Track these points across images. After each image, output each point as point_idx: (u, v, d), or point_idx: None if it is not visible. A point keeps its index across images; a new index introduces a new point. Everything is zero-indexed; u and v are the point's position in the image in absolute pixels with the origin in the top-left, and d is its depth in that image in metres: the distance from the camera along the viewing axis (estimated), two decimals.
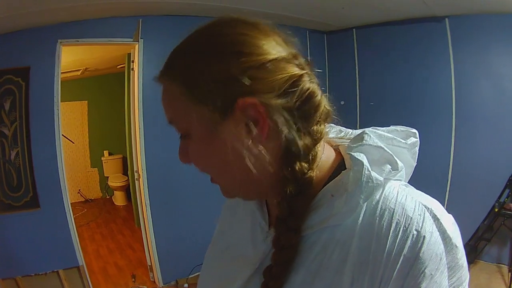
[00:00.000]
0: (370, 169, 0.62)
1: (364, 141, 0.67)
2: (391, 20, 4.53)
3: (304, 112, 0.67)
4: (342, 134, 0.81)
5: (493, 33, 3.94)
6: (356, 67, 5.06)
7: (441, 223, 0.60)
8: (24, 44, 3.51)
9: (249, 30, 0.65)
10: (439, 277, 0.57)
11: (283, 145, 0.66)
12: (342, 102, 5.09)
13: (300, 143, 0.66)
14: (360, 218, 0.62)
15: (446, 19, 4.13)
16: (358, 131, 0.76)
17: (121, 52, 4.95)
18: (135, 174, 4.26)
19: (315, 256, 0.64)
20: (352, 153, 0.65)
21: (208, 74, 0.63)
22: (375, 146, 0.66)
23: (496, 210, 3.93)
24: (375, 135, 0.68)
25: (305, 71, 0.68)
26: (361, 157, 0.64)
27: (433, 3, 3.73)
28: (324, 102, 0.70)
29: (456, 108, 4.20)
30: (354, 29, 4.99)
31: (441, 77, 4.26)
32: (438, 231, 0.59)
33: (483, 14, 3.88)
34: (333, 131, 0.81)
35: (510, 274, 3.85)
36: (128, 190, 7.11)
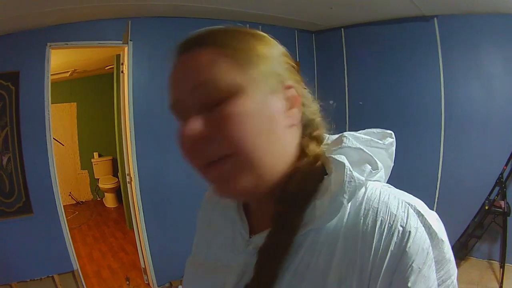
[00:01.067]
0: (351, 169, 0.64)
1: (343, 144, 0.69)
2: (379, 20, 4.55)
3: (314, 109, 0.78)
4: None
5: (482, 33, 3.98)
6: (345, 67, 5.08)
7: (425, 218, 0.60)
8: (13, 48, 3.49)
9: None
10: (427, 271, 0.57)
11: (307, 130, 0.75)
12: (331, 102, 5.06)
13: (321, 130, 0.77)
14: (345, 219, 0.64)
15: (435, 19, 4.16)
16: (335, 136, 0.78)
17: (109, 53, 4.92)
18: (127, 177, 4.24)
19: (301, 259, 0.65)
20: (333, 156, 0.67)
21: (261, 48, 0.68)
22: (354, 147, 0.68)
23: (487, 207, 3.97)
24: (353, 138, 0.70)
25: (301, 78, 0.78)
26: (342, 158, 0.65)
27: (421, 2, 3.76)
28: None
29: (445, 108, 4.24)
30: (342, 29, 5.00)
31: (430, 77, 4.29)
32: (423, 226, 0.60)
33: (472, 14, 3.91)
34: None
35: (501, 270, 3.91)
36: (118, 192, 7.08)
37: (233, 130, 0.63)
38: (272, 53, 0.70)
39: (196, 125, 0.64)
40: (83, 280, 4.02)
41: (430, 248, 0.58)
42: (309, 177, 0.68)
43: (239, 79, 0.64)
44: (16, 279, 3.73)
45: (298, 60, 5.05)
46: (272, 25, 4.63)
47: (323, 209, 0.63)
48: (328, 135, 0.80)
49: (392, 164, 0.76)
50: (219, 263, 0.82)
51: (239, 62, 0.65)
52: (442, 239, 0.60)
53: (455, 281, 0.62)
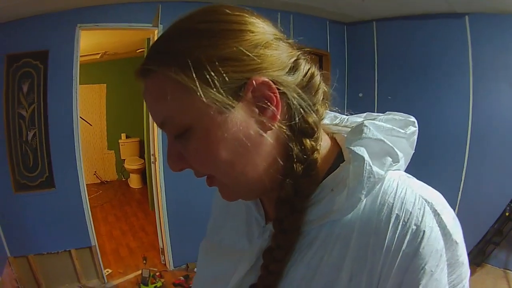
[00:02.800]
0: (371, 164, 0.60)
1: (363, 134, 0.64)
2: (411, 14, 4.46)
3: (309, 90, 0.68)
4: (337, 121, 0.79)
5: None
6: (375, 60, 5.01)
7: (441, 218, 0.58)
8: (43, 29, 3.57)
9: (243, 12, 0.64)
10: (439, 274, 0.56)
11: (292, 124, 0.66)
12: (360, 94, 5.08)
13: (310, 120, 0.66)
14: (360, 213, 0.61)
15: (466, 16, 4.05)
16: (354, 118, 0.77)
17: (140, 36, 4.97)
18: (151, 157, 4.31)
19: (315, 252, 0.63)
20: (352, 148, 0.62)
21: (213, 52, 0.59)
22: (375, 139, 0.63)
23: (507, 214, 3.89)
24: (374, 127, 0.65)
25: (300, 51, 0.69)
26: (362, 151, 0.61)
27: None
28: (322, 82, 0.71)
29: (473, 107, 4.13)
30: (374, 22, 4.93)
31: (459, 75, 4.19)
32: (438, 226, 0.57)
33: (504, 14, 3.79)
34: (328, 117, 0.79)
35: None
36: (144, 173, 7.13)
37: (203, 161, 0.63)
38: (233, 50, 0.60)
39: (176, 155, 0.66)
40: (100, 257, 4.12)
41: (444, 250, 0.57)
42: (304, 180, 0.65)
43: (192, 107, 0.60)
44: (33, 252, 3.84)
45: (328, 51, 5.03)
46: (304, 14, 4.61)
47: (340, 203, 0.61)
48: (346, 117, 0.78)
49: (413, 152, 0.72)
50: (233, 247, 0.81)
51: (190, 86, 0.58)
52: (456, 241, 0.58)
53: (467, 285, 0.60)
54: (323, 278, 0.61)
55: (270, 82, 0.61)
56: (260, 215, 0.78)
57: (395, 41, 4.80)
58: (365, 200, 0.61)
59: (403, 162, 0.68)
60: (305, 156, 0.65)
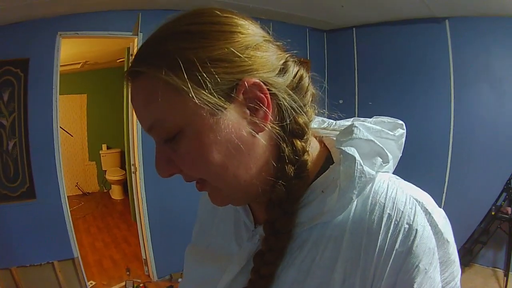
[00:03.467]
0: (362, 164, 0.60)
1: (354, 135, 0.64)
2: (391, 20, 4.54)
3: (299, 92, 0.68)
4: (325, 124, 0.79)
5: (493, 36, 3.95)
6: (355, 66, 5.07)
7: (432, 217, 0.59)
8: (23, 36, 3.52)
9: (233, 15, 0.65)
10: (433, 272, 0.56)
11: (283, 125, 0.65)
12: (341, 101, 5.11)
13: (301, 121, 0.66)
14: (351, 214, 0.61)
15: (446, 21, 4.14)
16: (342, 122, 0.77)
17: (120, 46, 4.95)
18: (132, 167, 4.27)
19: (306, 254, 0.63)
20: (343, 148, 0.62)
21: (205, 53, 0.58)
22: (365, 139, 0.64)
23: (493, 213, 3.94)
24: (364, 128, 0.65)
25: (288, 54, 0.69)
26: (352, 151, 0.61)
27: (433, 3, 3.74)
28: (310, 84, 0.72)
29: (454, 110, 4.21)
30: (354, 28, 5.00)
31: (441, 79, 4.27)
32: (430, 225, 0.58)
33: (484, 17, 3.88)
34: (316, 121, 0.79)
35: (505, 278, 3.87)
36: (125, 184, 7.09)
37: (194, 165, 0.62)
38: (223, 51, 0.59)
39: (165, 160, 0.64)
40: (83, 268, 4.04)
41: (436, 248, 0.57)
42: (295, 182, 0.65)
43: (183, 109, 0.59)
44: (16, 264, 3.75)
45: (309, 58, 5.08)
46: (284, 23, 4.63)
47: (331, 204, 0.61)
48: (334, 121, 0.79)
49: (400, 155, 0.72)
50: (221, 251, 0.81)
51: (180, 87, 0.57)
52: (447, 240, 0.59)
53: (459, 283, 0.61)
54: (315, 280, 0.61)
55: (261, 83, 0.61)
56: (249, 219, 0.78)
57: (375, 47, 4.88)
58: (356, 201, 0.62)
59: (391, 164, 0.68)
60: (296, 157, 0.65)
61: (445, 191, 4.33)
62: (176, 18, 0.64)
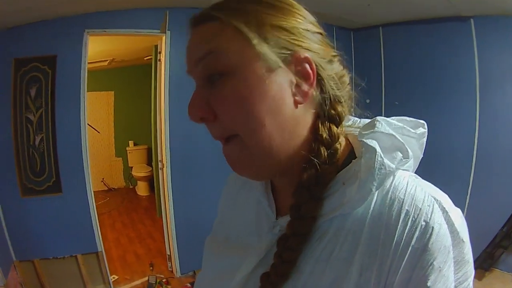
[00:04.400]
0: (382, 156, 0.61)
1: (376, 128, 0.66)
2: (416, 19, 4.47)
3: (340, 86, 0.72)
4: (350, 122, 0.81)
5: None
6: (382, 65, 5.01)
7: (449, 216, 0.59)
8: (51, 33, 3.58)
9: (300, 4, 0.71)
10: (447, 271, 0.56)
11: (322, 109, 0.70)
12: (368, 100, 5.02)
13: (339, 109, 0.70)
14: (371, 207, 0.62)
15: (471, 20, 4.04)
16: (366, 120, 0.78)
17: (148, 43, 5.00)
18: (159, 163, 4.30)
19: (326, 246, 0.64)
20: (364, 140, 0.64)
21: (274, 20, 0.64)
22: (387, 133, 0.65)
23: None
24: (386, 123, 0.68)
25: (336, 52, 0.75)
26: (373, 143, 0.63)
27: (458, 2, 3.66)
28: (349, 84, 0.76)
29: (480, 111, 4.11)
30: (380, 27, 4.94)
31: (466, 79, 4.17)
32: (447, 223, 0.58)
33: (509, 16, 3.78)
34: None
35: None
36: (151, 181, 7.16)
37: (234, 111, 0.62)
38: (289, 24, 0.65)
39: (198, 102, 0.65)
40: (106, 262, 4.10)
41: (451, 247, 0.57)
42: (326, 167, 0.66)
43: (243, 53, 0.62)
44: (39, 256, 3.83)
45: None
46: None
47: (351, 195, 0.62)
48: (359, 119, 0.81)
49: (422, 156, 0.74)
50: (241, 243, 0.81)
51: (245, 34, 0.62)
52: (463, 239, 0.59)
53: (471, 284, 0.61)
54: (333, 272, 0.61)
55: (312, 60, 0.66)
56: (271, 209, 0.78)
57: (401, 46, 4.81)
58: (376, 195, 0.62)
59: (412, 163, 0.69)
60: (331, 142, 0.68)
61: (469, 194, 4.23)
62: None
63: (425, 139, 0.73)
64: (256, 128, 0.63)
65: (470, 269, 0.60)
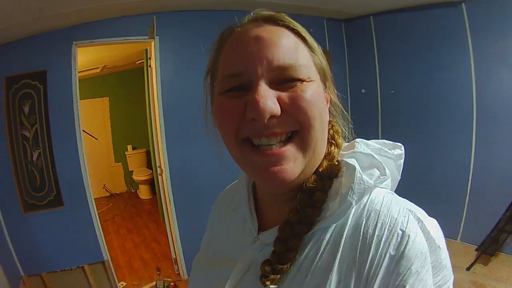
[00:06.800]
0: (361, 172, 0.66)
1: (355, 149, 0.72)
2: (407, 6, 4.46)
3: (337, 110, 0.82)
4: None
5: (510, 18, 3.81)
6: (375, 55, 5.01)
7: (424, 225, 0.62)
8: (39, 48, 3.58)
9: None
10: (425, 275, 0.58)
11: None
12: (363, 91, 5.11)
13: (337, 128, 0.80)
14: (349, 220, 0.66)
15: (463, 4, 4.02)
16: (346, 144, 0.82)
17: (138, 48, 4.98)
18: (158, 169, 4.31)
19: (306, 256, 0.67)
20: (345, 159, 0.70)
21: (315, 44, 0.73)
22: (365, 153, 0.71)
23: None
24: (364, 144, 0.74)
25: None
26: (353, 161, 0.68)
27: None
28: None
29: (476, 96, 4.11)
30: (371, 16, 4.93)
31: (461, 65, 4.17)
32: (422, 232, 0.61)
33: None
34: None
35: None
36: (153, 183, 7.18)
37: (306, 107, 0.64)
38: (318, 47, 0.74)
39: (273, 99, 0.63)
40: (114, 270, 4.13)
41: (428, 253, 0.60)
42: (328, 177, 0.71)
43: (315, 68, 0.70)
44: (47, 270, 3.87)
45: (328, 49, 5.06)
46: (300, 15, 4.54)
47: (333, 209, 0.66)
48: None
49: (399, 178, 0.78)
50: (228, 257, 0.84)
51: (310, 51, 0.71)
52: (439, 246, 0.61)
53: (451, 286, 0.63)
54: (314, 281, 0.64)
55: (329, 85, 0.77)
56: (253, 226, 0.81)
57: (393, 35, 4.79)
58: (354, 208, 0.67)
59: (389, 182, 0.73)
60: (330, 158, 0.75)
61: (470, 180, 4.23)
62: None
63: (402, 161, 0.77)
64: (316, 126, 0.66)
65: (448, 273, 0.62)
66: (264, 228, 0.79)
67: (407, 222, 0.61)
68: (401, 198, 0.70)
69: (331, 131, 0.79)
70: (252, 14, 0.72)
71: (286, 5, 4.11)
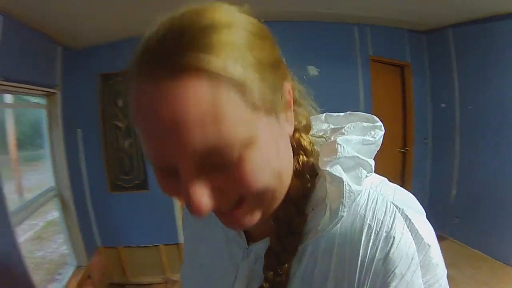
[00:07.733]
0: (350, 184, 0.60)
1: (338, 154, 0.61)
2: (485, 17, 4.17)
3: (303, 96, 0.71)
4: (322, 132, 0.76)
5: None
6: (454, 68, 4.69)
7: (412, 223, 0.59)
8: (132, 50, 3.80)
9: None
10: (410, 276, 0.56)
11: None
12: (443, 105, 4.86)
13: (306, 139, 0.68)
14: (338, 226, 0.62)
15: None
16: (318, 125, 0.76)
17: None
18: None
19: (306, 266, 0.64)
20: (329, 170, 0.60)
21: (264, 54, 0.52)
22: (350, 156, 0.62)
23: None
24: (346, 144, 0.63)
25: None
26: (339, 172, 0.60)
27: None
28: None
29: None
30: (450, 28, 4.66)
31: None
32: (410, 231, 0.58)
33: None
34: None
35: None
36: None
37: (250, 182, 0.51)
38: (275, 51, 0.57)
39: (205, 197, 0.50)
40: None
41: (416, 253, 0.57)
42: (307, 183, 0.65)
43: (251, 125, 0.49)
44: (124, 244, 4.25)
45: (409, 61, 4.91)
46: (381, 26, 4.57)
47: (325, 224, 0.62)
48: (314, 122, 0.75)
49: (378, 148, 0.68)
50: (216, 273, 0.79)
51: (242, 92, 0.48)
52: (428, 244, 0.58)
53: (444, 283, 0.61)
54: None
55: (291, 83, 0.63)
56: (240, 238, 0.74)
57: (473, 46, 4.46)
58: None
59: (373, 167, 0.66)
60: (300, 174, 0.66)
61: None
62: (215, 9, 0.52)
63: (381, 138, 0.68)
64: (266, 187, 0.54)
65: (440, 271, 0.60)
66: (252, 239, 0.73)
67: (393, 222, 0.59)
68: (388, 187, 0.66)
69: (297, 135, 0.67)
70: (141, 53, 0.50)
71: (366, 17, 4.17)
